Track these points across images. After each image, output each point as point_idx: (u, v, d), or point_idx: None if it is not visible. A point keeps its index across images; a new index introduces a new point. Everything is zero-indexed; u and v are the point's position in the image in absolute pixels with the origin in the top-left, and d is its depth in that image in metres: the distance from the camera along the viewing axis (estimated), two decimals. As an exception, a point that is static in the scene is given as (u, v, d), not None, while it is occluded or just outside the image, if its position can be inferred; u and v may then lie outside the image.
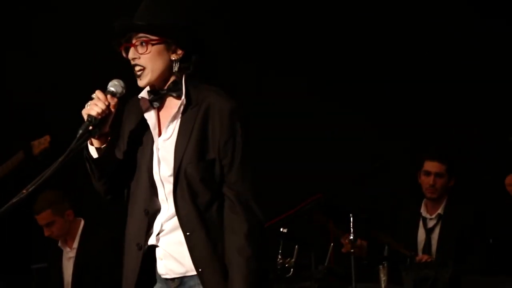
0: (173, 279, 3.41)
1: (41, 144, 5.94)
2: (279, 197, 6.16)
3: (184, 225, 3.34)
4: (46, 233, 5.81)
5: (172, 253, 3.38)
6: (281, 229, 5.61)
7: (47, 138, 5.95)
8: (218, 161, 3.35)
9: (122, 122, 3.49)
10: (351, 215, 5.48)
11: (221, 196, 3.36)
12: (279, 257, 5.57)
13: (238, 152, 3.34)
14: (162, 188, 3.39)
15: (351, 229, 5.47)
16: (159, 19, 3.35)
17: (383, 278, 5.45)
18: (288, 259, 5.58)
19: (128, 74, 3.41)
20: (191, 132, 3.35)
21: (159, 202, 3.40)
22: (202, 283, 3.33)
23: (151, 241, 3.40)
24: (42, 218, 5.78)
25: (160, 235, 3.40)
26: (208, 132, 3.35)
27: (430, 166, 5.84)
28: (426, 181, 5.85)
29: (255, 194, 3.35)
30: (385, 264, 5.46)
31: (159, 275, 3.44)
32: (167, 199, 3.39)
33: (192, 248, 3.33)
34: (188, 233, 3.34)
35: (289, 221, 5.64)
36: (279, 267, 5.57)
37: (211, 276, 3.32)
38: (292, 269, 5.58)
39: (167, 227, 3.39)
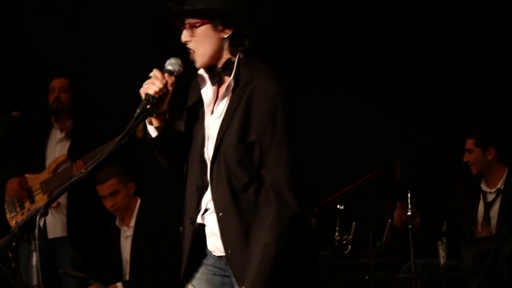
0: (221, 257, 3.42)
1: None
2: (336, 174, 6.15)
3: (217, 206, 3.34)
4: (109, 204, 5.82)
5: (217, 232, 3.38)
6: (338, 206, 5.60)
7: None
8: (258, 144, 3.31)
9: (188, 96, 3.50)
10: (408, 190, 5.45)
11: (259, 180, 3.32)
12: (337, 234, 5.57)
13: (276, 137, 3.29)
14: (209, 166, 3.39)
15: (409, 204, 5.44)
16: (200, 2, 3.35)
17: (442, 253, 5.41)
18: (346, 236, 5.58)
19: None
20: (234, 112, 3.33)
21: (207, 180, 3.41)
22: (230, 265, 3.33)
23: (199, 219, 3.42)
24: (107, 187, 5.81)
25: (206, 214, 3.41)
26: (251, 114, 3.32)
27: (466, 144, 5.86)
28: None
29: (292, 181, 3.29)
30: (444, 240, 5.42)
31: (209, 252, 3.45)
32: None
33: (223, 230, 3.33)
34: (220, 214, 3.33)
35: (346, 198, 5.63)
36: (336, 244, 5.57)
37: (239, 260, 3.30)
38: (349, 246, 5.57)
39: (211, 206, 3.40)
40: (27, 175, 6.29)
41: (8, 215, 6.32)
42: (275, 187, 3.27)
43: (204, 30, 3.35)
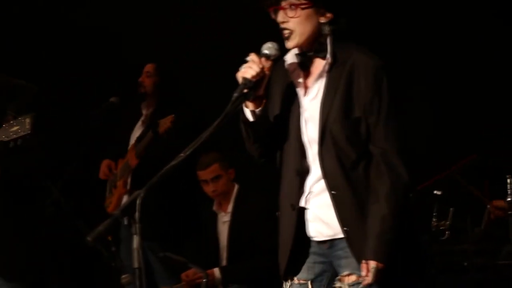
0: (324, 242, 3.42)
1: (164, 124, 5.96)
2: (433, 158, 6.08)
3: (330, 184, 3.35)
4: (211, 188, 5.83)
5: (321, 215, 3.40)
6: (435, 192, 5.54)
7: (169, 118, 5.95)
8: (364, 119, 3.33)
9: (270, 84, 3.51)
10: (508, 176, 5.36)
11: (367, 155, 3.34)
12: (434, 219, 5.51)
13: (383, 109, 3.32)
14: (310, 149, 3.41)
15: (508, 190, 5.35)
16: None
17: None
18: (443, 221, 5.51)
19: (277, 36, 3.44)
20: (337, 90, 3.35)
21: (308, 163, 3.42)
22: (348, 242, 3.35)
23: (302, 203, 3.42)
24: (211, 171, 5.83)
25: (309, 197, 3.42)
26: (353, 90, 3.34)
27: None
28: None
29: (401, 152, 3.32)
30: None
31: (311, 238, 3.45)
32: (314, 160, 3.40)
33: (338, 207, 3.34)
34: (334, 192, 3.35)
35: (444, 183, 5.57)
36: (434, 229, 5.51)
37: (357, 236, 3.33)
38: (447, 232, 5.51)
39: (315, 189, 3.41)
40: (119, 160, 6.40)
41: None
42: (385, 160, 3.30)
43: (307, 12, 3.37)
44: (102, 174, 6.40)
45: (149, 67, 6.34)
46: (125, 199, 6.24)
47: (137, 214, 3.03)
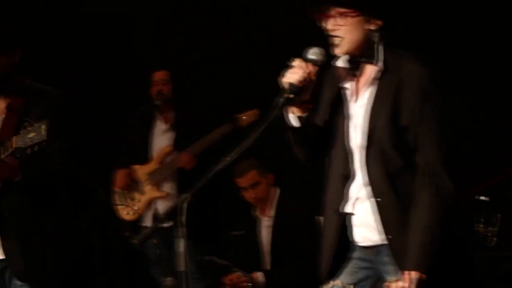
0: (370, 247, 3.41)
1: (249, 117, 6.01)
2: (480, 164, 6.02)
3: (375, 191, 3.35)
4: (251, 195, 5.84)
5: (368, 221, 3.39)
6: (482, 198, 5.49)
7: (256, 112, 6.01)
8: (411, 127, 3.31)
9: (321, 88, 3.51)
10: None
11: (413, 164, 3.33)
12: (481, 226, 5.45)
13: (431, 119, 3.31)
14: (357, 155, 3.40)
15: None
16: None
17: None
18: (491, 228, 5.45)
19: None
20: (386, 98, 3.34)
21: (354, 169, 3.41)
22: (391, 249, 3.34)
23: (348, 209, 3.41)
24: (248, 178, 5.84)
25: (356, 203, 3.41)
26: (402, 98, 3.34)
27: None
28: None
29: (445, 163, 3.30)
30: None
31: (356, 243, 3.44)
32: (361, 166, 3.38)
33: (382, 215, 3.33)
34: (379, 199, 3.34)
35: (491, 189, 5.51)
36: (481, 236, 5.46)
37: (400, 244, 3.31)
38: (494, 238, 5.45)
39: (362, 194, 3.40)
40: (134, 167, 6.41)
41: (118, 206, 6.45)
42: (430, 170, 3.29)
43: (356, 19, 3.37)
44: (120, 184, 6.41)
45: (163, 75, 6.43)
46: (160, 203, 6.27)
47: (183, 218, 3.03)
